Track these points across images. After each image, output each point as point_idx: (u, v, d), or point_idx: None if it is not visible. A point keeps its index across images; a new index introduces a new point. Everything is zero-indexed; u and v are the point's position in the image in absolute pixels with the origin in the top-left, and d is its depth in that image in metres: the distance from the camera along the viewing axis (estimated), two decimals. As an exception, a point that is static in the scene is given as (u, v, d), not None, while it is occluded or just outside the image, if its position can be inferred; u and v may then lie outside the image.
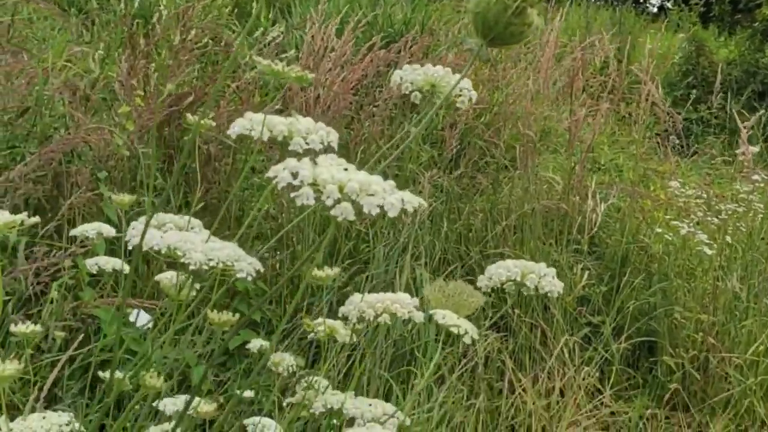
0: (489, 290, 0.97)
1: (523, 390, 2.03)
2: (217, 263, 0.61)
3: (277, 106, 2.05)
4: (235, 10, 3.21)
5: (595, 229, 2.48)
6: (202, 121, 1.01)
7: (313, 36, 2.21)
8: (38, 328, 0.94)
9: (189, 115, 0.99)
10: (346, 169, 0.64)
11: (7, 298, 1.59)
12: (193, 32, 1.93)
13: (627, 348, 2.27)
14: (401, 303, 0.97)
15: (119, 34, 2.06)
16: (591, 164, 3.26)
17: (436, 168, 2.47)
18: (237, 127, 0.78)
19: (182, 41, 1.85)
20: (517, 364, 2.13)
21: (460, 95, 0.81)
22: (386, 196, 0.60)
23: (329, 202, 0.58)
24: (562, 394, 2.06)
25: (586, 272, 2.36)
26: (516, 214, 2.42)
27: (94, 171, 1.80)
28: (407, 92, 1.10)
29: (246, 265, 0.63)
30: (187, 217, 1.00)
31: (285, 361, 1.30)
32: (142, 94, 1.73)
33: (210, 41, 2.09)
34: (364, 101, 2.38)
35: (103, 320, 1.75)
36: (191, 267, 0.58)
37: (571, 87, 2.91)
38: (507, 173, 2.75)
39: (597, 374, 2.15)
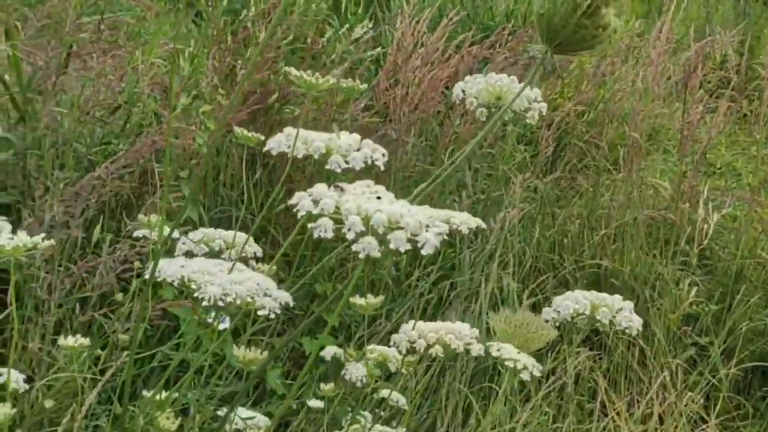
0: (556, 324, 0.87)
1: (617, 414, 1.88)
2: (235, 299, 0.54)
3: (362, 105, 1.98)
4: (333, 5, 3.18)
5: (707, 241, 2.26)
6: (250, 135, 0.95)
7: (402, 32, 2.13)
8: (86, 341, 0.91)
9: (237, 129, 0.93)
10: (379, 198, 0.56)
11: (87, 295, 1.61)
12: (279, 29, 1.89)
13: (737, 373, 2.06)
14: (457, 334, 0.88)
15: (208, 30, 2.05)
16: (705, 167, 3.00)
17: (530, 169, 2.34)
18: (273, 144, 0.72)
19: (269, 38, 1.82)
20: (611, 384, 1.98)
21: (529, 108, 0.71)
22: (422, 229, 0.52)
23: (350, 236, 0.51)
24: (661, 421, 1.89)
25: (695, 288, 2.16)
26: (617, 222, 2.25)
27: (177, 170, 1.80)
28: (472, 108, 1.00)
29: (270, 301, 0.56)
30: (243, 235, 0.94)
31: (358, 371, 1.22)
32: (223, 93, 1.71)
33: (298, 38, 2.05)
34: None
35: (183, 319, 1.76)
36: (204, 303, 0.52)
37: (686, 83, 2.68)
38: (609, 176, 2.57)
39: (702, 401, 1.97)
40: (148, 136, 1.79)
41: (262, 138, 0.87)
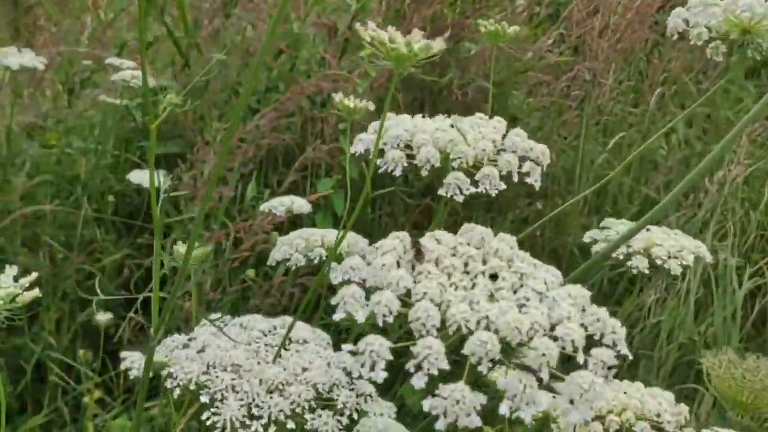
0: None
1: None
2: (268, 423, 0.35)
3: (550, 40, 1.68)
4: None
5: None
6: (352, 105, 0.75)
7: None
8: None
9: (335, 96, 0.74)
10: (493, 276, 0.34)
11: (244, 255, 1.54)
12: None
13: None
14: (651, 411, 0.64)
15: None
16: None
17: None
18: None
19: (439, -34, 1.57)
20: None
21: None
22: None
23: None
24: None
25: None
26: None
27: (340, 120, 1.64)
28: (700, 43, 0.73)
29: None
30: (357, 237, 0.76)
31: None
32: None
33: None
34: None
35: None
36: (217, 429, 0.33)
37: None
38: None
39: None
40: (307, 81, 1.64)
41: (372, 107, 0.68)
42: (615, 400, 0.76)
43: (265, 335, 0.54)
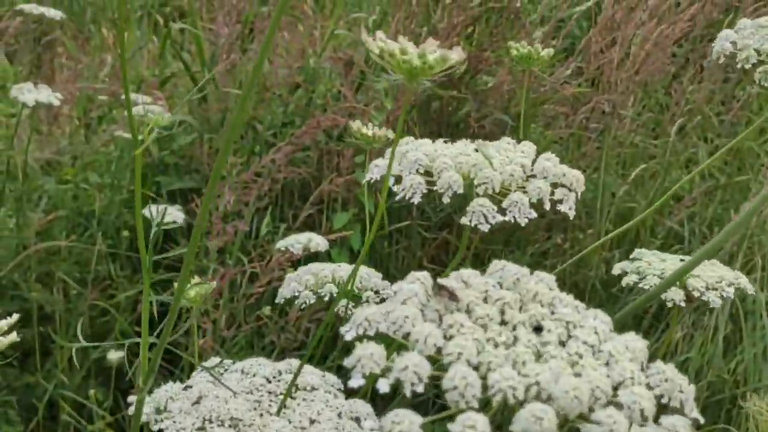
0: None
1: None
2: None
3: (567, 71, 1.66)
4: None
5: None
6: (370, 134, 0.73)
7: (621, -20, 1.75)
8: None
9: (351, 122, 0.72)
10: (539, 331, 0.30)
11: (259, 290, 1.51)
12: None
13: None
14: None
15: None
16: None
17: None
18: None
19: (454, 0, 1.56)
20: None
21: None
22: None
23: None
24: None
25: None
26: None
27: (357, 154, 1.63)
28: (747, 66, 0.70)
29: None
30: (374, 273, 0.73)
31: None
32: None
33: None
34: (690, 57, 1.86)
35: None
36: None
37: None
38: None
39: None
40: (323, 115, 1.63)
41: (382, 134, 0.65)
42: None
43: (269, 381, 0.50)
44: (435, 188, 0.58)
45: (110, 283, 1.59)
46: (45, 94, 1.42)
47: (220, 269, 1.49)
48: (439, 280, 0.43)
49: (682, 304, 0.79)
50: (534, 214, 0.54)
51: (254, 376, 0.52)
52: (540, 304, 0.44)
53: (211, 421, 0.39)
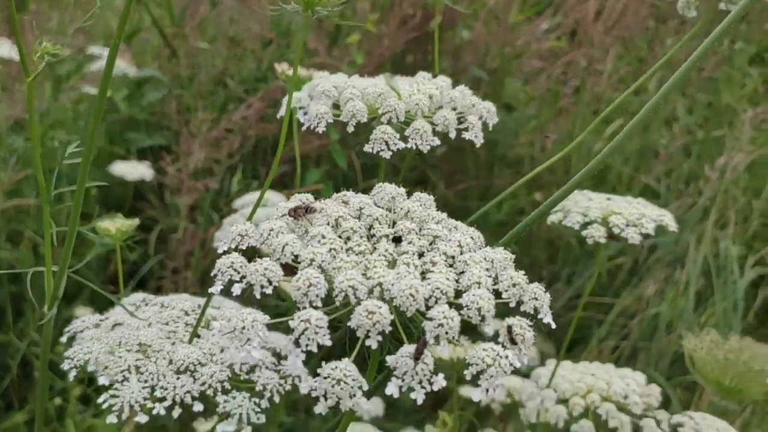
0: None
1: None
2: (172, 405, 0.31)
3: (544, 25, 1.63)
4: None
5: None
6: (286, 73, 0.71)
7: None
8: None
9: (277, 65, 0.70)
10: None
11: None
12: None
13: None
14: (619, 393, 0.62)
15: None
16: None
17: (764, 101, 1.84)
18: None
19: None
20: None
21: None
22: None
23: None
24: None
25: None
26: None
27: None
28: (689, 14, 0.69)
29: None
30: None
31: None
32: (375, 19, 1.46)
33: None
34: (668, 13, 1.83)
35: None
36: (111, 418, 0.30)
37: None
38: None
39: None
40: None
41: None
42: (581, 382, 0.73)
43: (187, 314, 0.51)
44: (340, 118, 0.60)
45: (79, 242, 1.58)
46: (6, 49, 1.38)
47: (189, 227, 1.48)
48: (287, 203, 0.45)
49: (603, 240, 0.79)
50: (437, 142, 0.55)
51: (173, 309, 0.53)
52: (411, 221, 0.45)
53: (120, 345, 0.39)
